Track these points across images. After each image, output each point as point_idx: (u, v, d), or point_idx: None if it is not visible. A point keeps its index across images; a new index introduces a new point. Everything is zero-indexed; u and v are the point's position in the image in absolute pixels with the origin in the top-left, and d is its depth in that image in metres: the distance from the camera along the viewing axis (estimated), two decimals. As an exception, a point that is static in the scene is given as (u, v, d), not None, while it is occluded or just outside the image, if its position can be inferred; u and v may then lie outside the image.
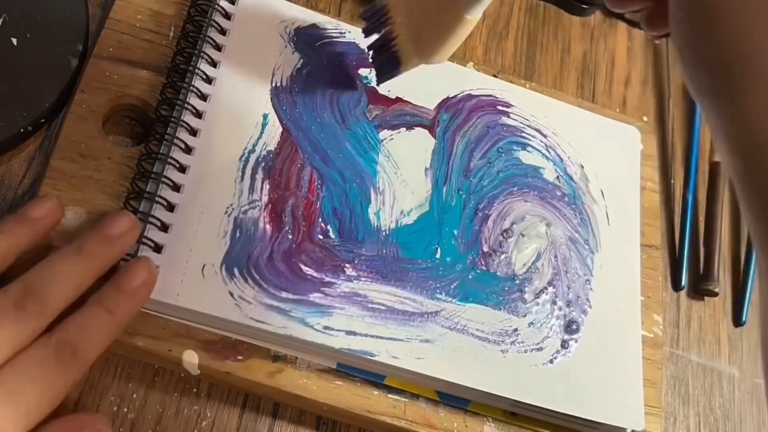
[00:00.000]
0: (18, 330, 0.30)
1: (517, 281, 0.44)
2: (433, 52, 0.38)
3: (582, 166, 0.49)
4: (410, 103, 0.47)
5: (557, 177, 0.48)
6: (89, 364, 0.32)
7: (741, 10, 0.24)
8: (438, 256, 0.42)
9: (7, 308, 0.30)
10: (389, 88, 0.46)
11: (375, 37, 0.42)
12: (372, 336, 0.39)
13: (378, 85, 0.45)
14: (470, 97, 0.48)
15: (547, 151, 0.49)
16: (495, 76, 0.50)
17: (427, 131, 0.46)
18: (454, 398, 0.40)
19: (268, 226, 0.40)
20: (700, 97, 0.27)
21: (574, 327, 0.43)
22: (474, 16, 0.35)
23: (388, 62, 0.42)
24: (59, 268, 0.32)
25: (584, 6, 0.59)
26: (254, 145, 0.42)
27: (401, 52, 0.40)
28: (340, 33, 0.47)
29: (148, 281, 0.35)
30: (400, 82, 0.47)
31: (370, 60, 0.43)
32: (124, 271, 0.34)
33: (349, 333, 0.38)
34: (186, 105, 0.40)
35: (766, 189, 0.25)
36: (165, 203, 0.38)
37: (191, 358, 0.37)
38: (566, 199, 0.47)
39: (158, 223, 0.37)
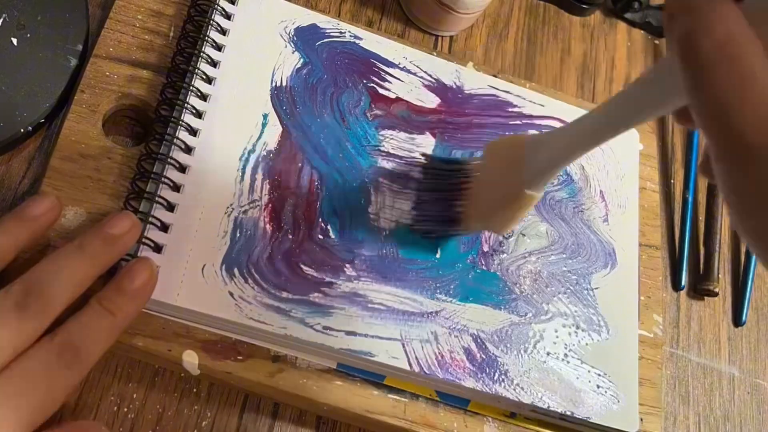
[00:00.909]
0: (20, 329, 0.30)
1: (517, 281, 0.44)
2: (500, 225, 0.40)
3: (582, 167, 0.49)
4: (411, 103, 0.47)
5: (557, 177, 0.48)
6: (91, 365, 0.32)
7: None
8: (438, 256, 0.42)
9: (9, 308, 0.30)
10: (390, 89, 0.46)
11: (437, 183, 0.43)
12: (372, 336, 0.39)
13: (417, 230, 0.43)
14: (471, 96, 0.48)
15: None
16: (495, 76, 0.50)
17: (427, 131, 0.46)
18: (454, 398, 0.40)
19: (268, 226, 0.40)
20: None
21: (573, 327, 0.43)
22: (537, 193, 0.37)
23: (444, 216, 0.42)
24: (60, 267, 0.32)
25: (584, 6, 0.59)
26: (254, 145, 0.42)
27: (463, 214, 0.41)
28: (340, 33, 0.47)
29: (149, 282, 0.35)
30: (401, 82, 0.47)
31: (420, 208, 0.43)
32: (125, 272, 0.34)
33: (349, 333, 0.38)
34: (186, 105, 0.40)
35: None
36: (165, 203, 0.38)
37: (191, 358, 0.37)
38: (566, 199, 0.47)
39: (158, 223, 0.37)
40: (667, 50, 0.61)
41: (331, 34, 0.47)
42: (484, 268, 0.43)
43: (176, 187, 0.39)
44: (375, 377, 0.39)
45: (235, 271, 0.38)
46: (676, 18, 0.23)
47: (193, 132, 0.40)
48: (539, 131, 0.49)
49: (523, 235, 0.45)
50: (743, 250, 0.55)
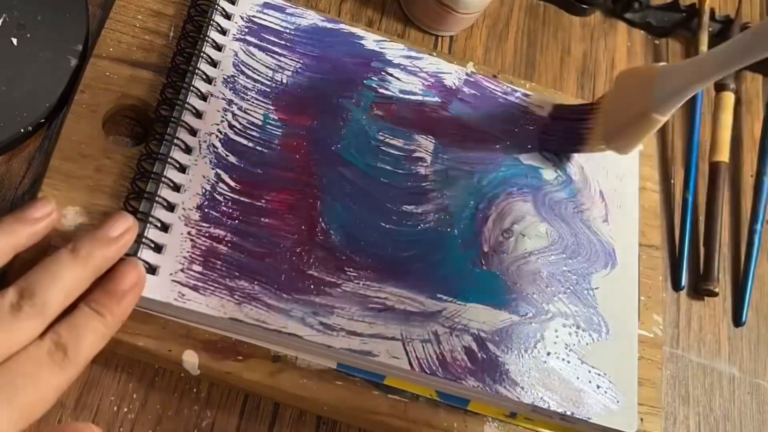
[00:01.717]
0: (14, 332, 0.30)
1: (518, 281, 0.44)
2: (623, 145, 0.44)
3: (582, 167, 0.49)
4: (411, 103, 0.47)
5: (557, 177, 0.48)
6: (83, 365, 0.32)
7: None
8: (439, 256, 0.42)
9: (4, 311, 0.30)
10: (390, 89, 0.46)
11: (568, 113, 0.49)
12: (372, 336, 0.39)
13: (541, 150, 0.48)
14: (471, 96, 0.48)
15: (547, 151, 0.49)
16: (495, 76, 0.50)
17: (428, 131, 0.46)
18: (454, 398, 0.40)
19: (269, 226, 0.40)
20: None
21: (573, 327, 0.43)
22: (662, 117, 0.41)
23: (570, 136, 0.47)
24: (55, 270, 0.32)
25: (584, 6, 0.59)
26: (255, 145, 0.42)
27: (590, 134, 0.46)
28: (341, 33, 0.47)
29: (137, 283, 0.35)
30: (401, 82, 0.47)
31: (549, 126, 0.49)
32: (112, 274, 0.34)
33: (349, 333, 0.38)
34: (186, 105, 0.40)
35: None
36: (165, 203, 0.38)
37: (191, 358, 0.37)
38: (566, 199, 0.47)
39: (158, 223, 0.37)
40: (667, 45, 0.61)
41: (332, 34, 0.47)
42: (484, 268, 0.43)
43: (176, 187, 0.39)
44: (375, 377, 0.39)
45: (236, 270, 0.38)
46: None
47: (193, 132, 0.40)
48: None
49: (523, 235, 0.45)
50: (743, 250, 0.55)
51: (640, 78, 0.42)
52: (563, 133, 0.48)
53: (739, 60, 0.37)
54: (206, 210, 0.39)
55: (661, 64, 0.45)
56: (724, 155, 0.56)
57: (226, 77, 0.42)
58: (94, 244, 0.34)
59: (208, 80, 0.42)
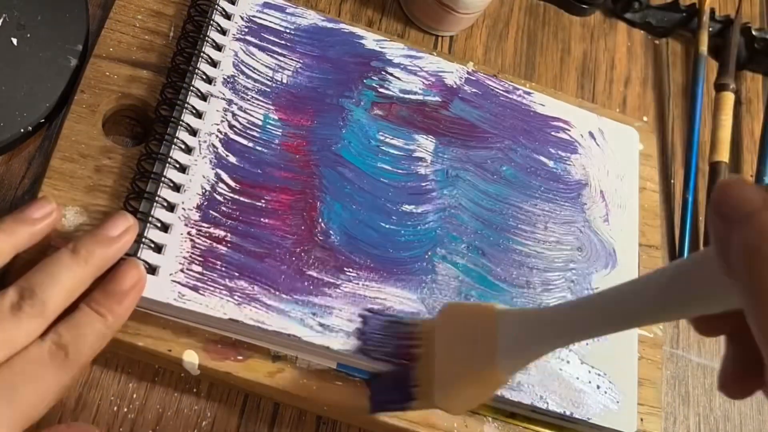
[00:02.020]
0: (14, 332, 0.30)
1: (518, 281, 0.44)
2: (453, 405, 0.35)
3: (583, 166, 0.49)
4: (411, 103, 0.46)
5: (557, 176, 0.48)
6: (83, 365, 0.32)
7: None
8: (439, 256, 0.42)
9: (4, 311, 0.30)
10: (390, 89, 0.46)
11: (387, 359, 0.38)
12: (372, 336, 0.39)
13: (370, 413, 0.38)
14: (472, 96, 0.48)
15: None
16: (495, 76, 0.50)
17: (428, 131, 0.46)
18: (454, 398, 0.40)
19: (269, 226, 0.40)
20: None
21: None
22: (508, 378, 0.33)
23: (395, 392, 0.37)
24: (56, 270, 0.32)
25: (584, 6, 0.59)
26: (255, 145, 0.42)
27: (419, 390, 0.36)
28: (341, 33, 0.47)
29: (137, 283, 0.35)
30: (401, 82, 0.47)
31: (371, 381, 0.39)
32: (113, 274, 0.34)
33: (349, 334, 0.38)
34: (186, 105, 0.40)
35: None
36: (165, 203, 0.38)
37: (191, 358, 0.37)
38: (566, 199, 0.47)
39: (158, 223, 0.37)
40: (667, 45, 0.61)
41: (332, 34, 0.47)
42: (485, 268, 0.43)
43: (176, 187, 0.39)
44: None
45: (236, 271, 0.38)
46: (733, 226, 0.21)
47: (193, 132, 0.40)
48: (549, 133, 0.49)
49: (524, 234, 0.45)
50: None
51: (474, 320, 0.34)
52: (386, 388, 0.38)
53: (621, 322, 0.29)
54: (206, 210, 0.39)
55: (496, 305, 0.34)
56: (724, 155, 0.56)
57: (226, 77, 0.42)
58: (94, 243, 0.34)
59: (208, 80, 0.42)
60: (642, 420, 0.43)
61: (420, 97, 0.47)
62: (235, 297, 0.37)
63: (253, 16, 0.45)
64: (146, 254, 0.36)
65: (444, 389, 0.34)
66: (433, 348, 0.35)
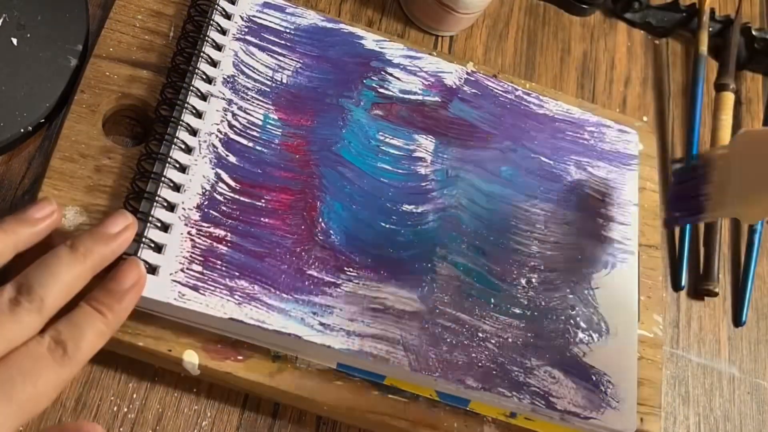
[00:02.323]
0: (13, 328, 0.30)
1: (518, 281, 0.44)
2: (750, 214, 0.40)
3: (583, 167, 0.49)
4: (411, 103, 0.47)
5: (557, 177, 0.48)
6: (82, 363, 0.32)
7: None
8: (439, 255, 0.42)
9: (2, 307, 0.30)
10: (390, 89, 0.46)
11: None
12: (372, 336, 0.39)
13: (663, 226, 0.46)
14: (472, 96, 0.48)
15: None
16: (495, 76, 0.50)
17: (428, 131, 0.46)
18: (453, 398, 0.40)
19: (269, 226, 0.40)
20: None
21: (573, 327, 0.43)
22: None
23: (689, 202, 0.43)
24: (54, 266, 0.32)
25: (584, 6, 0.59)
26: (255, 145, 0.42)
27: (709, 201, 0.41)
28: (341, 33, 0.47)
29: (138, 282, 0.35)
30: (401, 82, 0.47)
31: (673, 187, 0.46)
32: (113, 273, 0.34)
33: (349, 333, 0.38)
34: (186, 105, 0.40)
35: None
36: (165, 203, 0.38)
37: (191, 358, 0.37)
38: (566, 199, 0.47)
39: (158, 223, 0.37)
40: (667, 45, 0.61)
41: (332, 34, 0.47)
42: (484, 268, 0.43)
43: (176, 187, 0.39)
44: (375, 377, 0.39)
45: (236, 270, 0.38)
46: None
47: (193, 132, 0.40)
48: (549, 133, 0.49)
49: (524, 234, 0.45)
50: (743, 250, 0.55)
51: None
52: (679, 202, 0.44)
53: None
54: (206, 210, 0.39)
55: None
56: (724, 155, 0.56)
57: (226, 77, 0.42)
58: (93, 240, 0.34)
59: (208, 80, 0.42)
60: (642, 420, 0.43)
61: (419, 98, 0.47)
62: (236, 296, 0.37)
63: (253, 16, 0.45)
64: (146, 254, 0.36)
65: (743, 198, 0.39)
66: (728, 166, 0.40)
